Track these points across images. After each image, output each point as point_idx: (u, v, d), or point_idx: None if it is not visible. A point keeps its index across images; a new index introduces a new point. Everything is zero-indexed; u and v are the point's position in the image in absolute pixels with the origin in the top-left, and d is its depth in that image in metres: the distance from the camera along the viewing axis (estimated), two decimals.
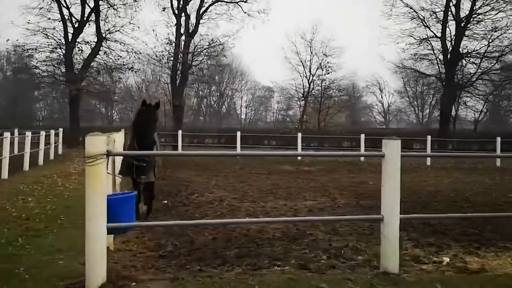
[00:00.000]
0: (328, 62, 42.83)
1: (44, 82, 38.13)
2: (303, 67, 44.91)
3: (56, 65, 35.46)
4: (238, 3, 37.54)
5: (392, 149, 4.89)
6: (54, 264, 5.34)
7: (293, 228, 8.07)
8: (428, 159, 24.78)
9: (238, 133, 26.94)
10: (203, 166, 20.89)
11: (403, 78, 53.67)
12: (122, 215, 4.38)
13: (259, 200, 11.55)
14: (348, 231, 7.96)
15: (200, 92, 64.76)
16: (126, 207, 4.45)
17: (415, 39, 37.40)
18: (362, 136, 25.49)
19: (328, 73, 42.72)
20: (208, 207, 10.48)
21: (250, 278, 4.50)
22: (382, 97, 72.49)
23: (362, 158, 25.26)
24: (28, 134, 18.37)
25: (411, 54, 39.17)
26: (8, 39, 37.16)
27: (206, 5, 36.85)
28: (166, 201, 11.30)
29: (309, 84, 44.38)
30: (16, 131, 27.37)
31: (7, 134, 16.26)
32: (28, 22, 33.83)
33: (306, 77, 44.84)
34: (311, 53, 44.55)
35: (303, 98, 44.75)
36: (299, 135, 26.12)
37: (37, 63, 36.29)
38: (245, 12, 37.64)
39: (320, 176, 17.71)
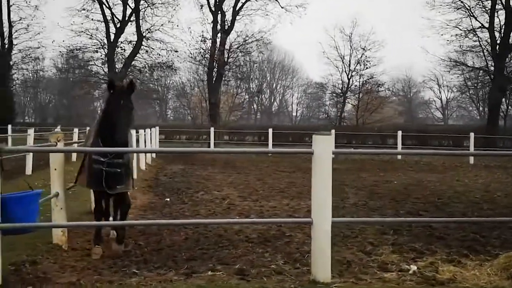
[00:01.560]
0: (367, 57, 41.52)
1: (87, 81, 39.38)
2: (342, 62, 43.74)
3: (99, 65, 36.67)
4: None
5: (322, 145, 4.36)
6: None
7: (273, 229, 7.69)
8: (471, 158, 23.34)
9: (270, 130, 26.67)
10: (231, 164, 20.71)
11: (459, 72, 50.52)
12: (20, 214, 4.18)
13: (262, 199, 11.20)
14: (333, 233, 7.45)
15: (251, 89, 64.69)
16: (25, 206, 4.23)
17: (460, 30, 35.49)
18: (399, 133, 24.38)
19: (367, 68, 41.34)
20: (205, 206, 10.26)
21: (153, 285, 4.16)
22: (440, 93, 68.89)
23: (399, 156, 24.17)
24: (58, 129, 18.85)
25: (457, 46, 37.26)
26: (53, 40, 38.80)
27: (243, 0, 36.76)
28: (168, 199, 11.19)
29: (348, 80, 43.21)
30: (58, 128, 28.40)
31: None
32: (72, 24, 35.21)
33: (345, 72, 43.63)
34: (351, 47, 43.30)
35: (341, 94, 43.66)
36: (333, 132, 25.38)
37: (82, 63, 37.58)
38: (282, 7, 37.26)
39: (346, 175, 17.00)
